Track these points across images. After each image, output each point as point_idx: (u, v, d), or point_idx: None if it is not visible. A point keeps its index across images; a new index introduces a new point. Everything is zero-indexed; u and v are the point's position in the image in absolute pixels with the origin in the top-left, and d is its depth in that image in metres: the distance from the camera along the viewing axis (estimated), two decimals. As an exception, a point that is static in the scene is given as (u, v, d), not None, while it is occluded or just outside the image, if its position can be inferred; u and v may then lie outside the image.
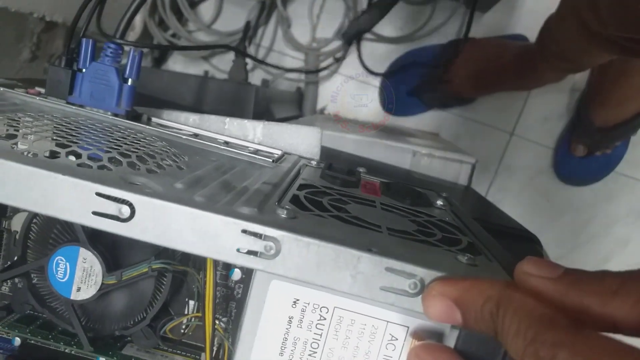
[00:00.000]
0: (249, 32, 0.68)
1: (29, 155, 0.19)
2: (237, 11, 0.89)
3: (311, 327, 0.20)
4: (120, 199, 0.18)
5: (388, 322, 0.20)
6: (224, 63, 0.91)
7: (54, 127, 0.24)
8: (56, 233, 0.33)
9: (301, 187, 0.26)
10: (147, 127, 0.32)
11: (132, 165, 0.22)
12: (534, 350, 0.14)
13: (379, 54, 0.92)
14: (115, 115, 0.31)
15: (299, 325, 0.20)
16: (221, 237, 0.18)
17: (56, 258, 0.30)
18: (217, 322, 0.31)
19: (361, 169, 0.34)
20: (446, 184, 0.61)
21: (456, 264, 0.20)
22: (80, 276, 0.30)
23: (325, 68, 0.89)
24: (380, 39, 0.91)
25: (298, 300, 0.20)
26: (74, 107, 0.31)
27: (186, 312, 0.35)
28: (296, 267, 0.18)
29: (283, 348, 0.20)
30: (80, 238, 0.30)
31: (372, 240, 0.20)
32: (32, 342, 0.34)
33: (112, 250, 0.31)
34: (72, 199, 0.18)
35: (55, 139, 0.21)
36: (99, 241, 0.30)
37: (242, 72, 0.66)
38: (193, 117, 0.38)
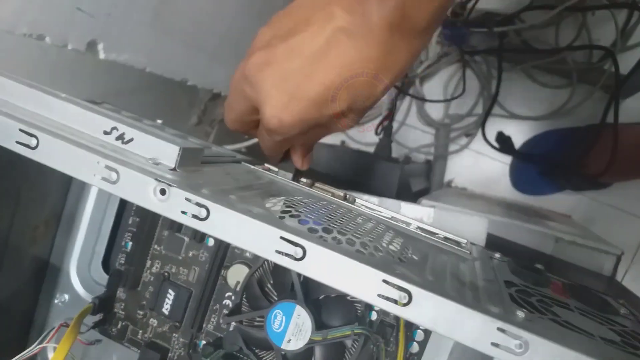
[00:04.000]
0: (394, 113, 0.75)
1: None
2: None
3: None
4: (400, 287, 0.23)
5: None
6: (358, 133, 0.99)
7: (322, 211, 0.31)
8: (269, 287, 0.40)
9: (507, 284, 0.30)
10: (359, 207, 0.38)
11: (388, 252, 0.27)
12: None
13: (509, 131, 0.94)
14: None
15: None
16: (479, 331, 0.22)
17: (275, 311, 0.36)
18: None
19: (539, 266, 0.37)
20: (590, 273, 0.60)
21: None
22: (293, 329, 0.36)
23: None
24: (512, 116, 0.94)
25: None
26: (294, 184, 0.39)
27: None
28: (542, 366, 0.22)
29: None
30: (298, 297, 0.36)
31: (600, 350, 0.23)
32: (228, 377, 0.40)
33: (319, 309, 0.36)
34: (362, 281, 0.24)
35: (333, 226, 0.28)
36: (309, 300, 0.36)
37: (387, 150, 0.73)
38: (373, 199, 0.44)
